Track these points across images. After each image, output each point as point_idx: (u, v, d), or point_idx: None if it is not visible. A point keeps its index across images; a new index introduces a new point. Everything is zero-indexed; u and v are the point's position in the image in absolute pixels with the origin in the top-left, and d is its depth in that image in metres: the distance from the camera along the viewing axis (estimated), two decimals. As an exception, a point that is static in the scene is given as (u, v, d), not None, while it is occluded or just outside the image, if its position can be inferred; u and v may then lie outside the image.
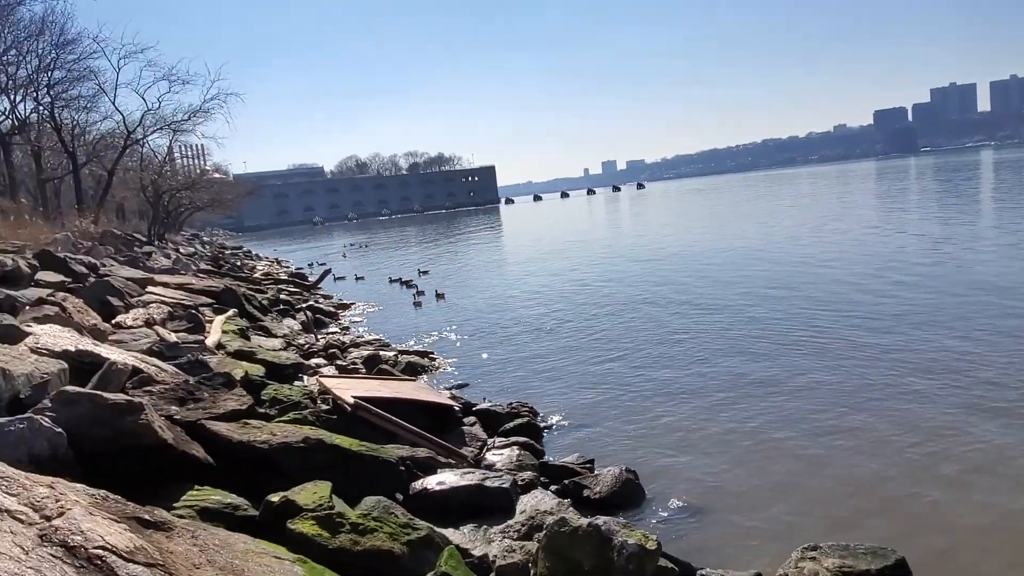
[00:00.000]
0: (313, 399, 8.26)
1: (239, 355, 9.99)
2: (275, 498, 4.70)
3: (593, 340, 13.42)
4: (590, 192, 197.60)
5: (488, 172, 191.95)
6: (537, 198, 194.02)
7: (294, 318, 17.97)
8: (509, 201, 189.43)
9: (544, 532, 4.54)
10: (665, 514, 6.16)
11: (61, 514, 3.45)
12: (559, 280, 22.87)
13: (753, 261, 22.04)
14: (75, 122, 32.83)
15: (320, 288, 26.71)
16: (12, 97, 29.48)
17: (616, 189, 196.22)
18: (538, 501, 5.93)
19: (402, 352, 13.17)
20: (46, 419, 4.34)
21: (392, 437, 7.19)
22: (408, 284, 25.07)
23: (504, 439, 7.88)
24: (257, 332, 13.89)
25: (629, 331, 13.87)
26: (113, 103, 32.43)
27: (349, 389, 8.17)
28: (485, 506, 5.83)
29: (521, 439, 7.77)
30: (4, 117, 29.74)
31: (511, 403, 9.17)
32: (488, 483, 5.97)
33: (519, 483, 6.29)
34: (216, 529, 4.21)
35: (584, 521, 4.32)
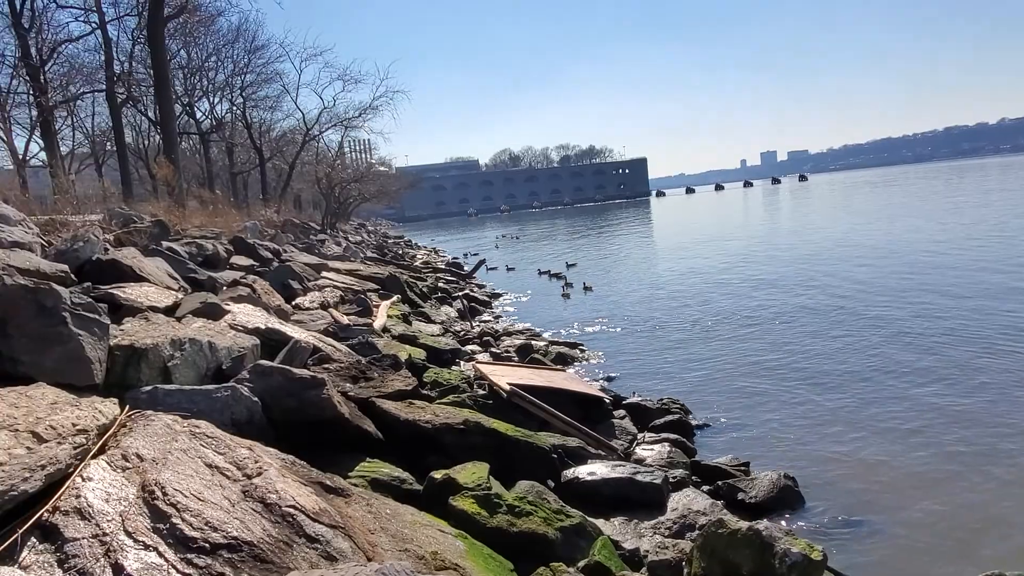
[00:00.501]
0: (470, 384, 8.59)
1: (403, 339, 10.60)
2: (438, 475, 4.96)
3: (748, 340, 12.92)
4: (747, 184, 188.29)
5: (639, 164, 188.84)
6: (690, 190, 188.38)
7: (451, 305, 18.74)
8: (660, 194, 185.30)
9: (700, 532, 4.49)
10: (826, 525, 5.86)
11: (259, 474, 3.86)
12: (711, 276, 22.14)
13: (929, 264, 20.13)
14: (262, 120, 36.06)
15: (475, 277, 27.61)
16: (211, 99, 32.95)
17: (776, 181, 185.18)
18: (690, 500, 5.86)
19: (552, 342, 13.39)
20: (245, 388, 4.86)
21: (544, 425, 7.36)
22: (557, 276, 25.34)
23: (654, 435, 7.82)
24: (418, 318, 14.63)
25: (787, 333, 13.21)
26: (295, 102, 35.46)
27: (504, 376, 8.44)
28: (635, 500, 5.84)
29: (672, 436, 7.69)
30: (204, 117, 33.27)
31: (661, 399, 9.07)
32: (639, 477, 5.97)
33: (670, 480, 6.24)
34: (386, 499, 4.53)
35: (743, 524, 4.23)
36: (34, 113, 23.35)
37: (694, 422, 8.52)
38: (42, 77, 21.43)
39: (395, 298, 14.97)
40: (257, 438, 4.47)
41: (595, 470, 6.12)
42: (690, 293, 19.06)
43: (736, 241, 34.03)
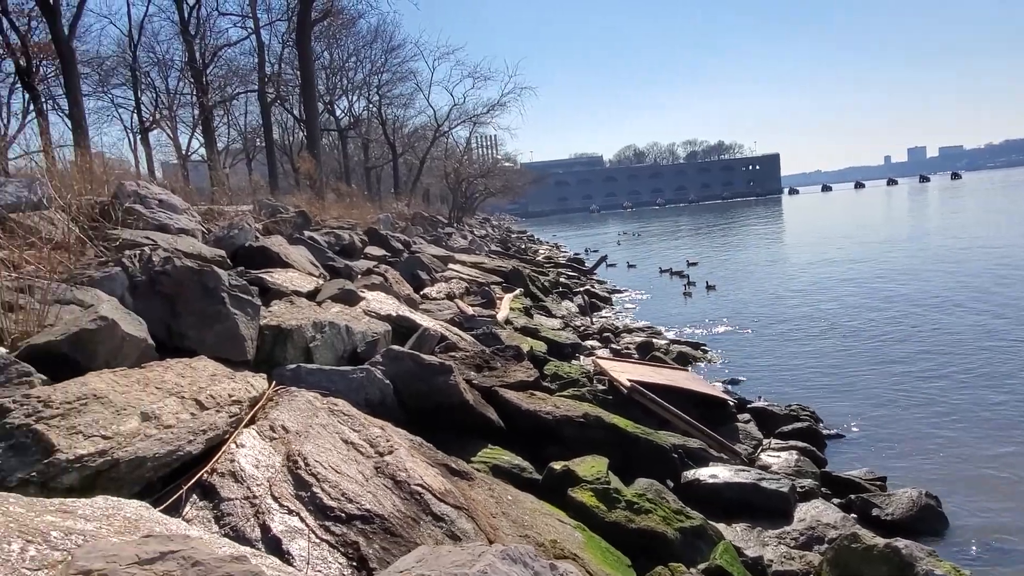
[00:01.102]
0: (590, 378, 8.60)
1: (524, 331, 10.76)
2: (557, 466, 5.02)
3: (886, 348, 12.12)
4: (891, 182, 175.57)
5: (771, 160, 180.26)
6: (826, 188, 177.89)
7: (571, 300, 18.80)
8: (793, 192, 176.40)
9: (830, 545, 4.31)
10: (972, 551, 5.43)
11: (390, 452, 4.07)
12: (845, 279, 20.85)
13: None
14: (396, 117, 37.63)
15: (595, 274, 27.51)
16: (350, 97, 34.77)
17: (924, 179, 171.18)
18: (819, 512, 5.61)
19: (674, 341, 13.16)
20: (378, 371, 5.13)
21: (664, 423, 7.27)
22: (679, 274, 24.81)
23: (781, 441, 7.54)
24: (539, 311, 14.78)
25: (930, 342, 12.27)
26: (427, 100, 36.92)
27: (624, 372, 8.40)
28: (758, 507, 5.66)
29: (800, 444, 7.38)
30: (343, 115, 35.13)
31: (789, 405, 8.72)
32: (764, 484, 5.78)
33: (798, 489, 6.00)
34: (507, 485, 4.65)
35: (880, 540, 4.02)
36: (196, 112, 25.67)
37: (825, 431, 8.12)
38: (204, 79, 23.45)
39: (518, 291, 15.20)
40: (387, 418, 4.70)
41: (717, 473, 5.98)
42: (822, 296, 18.10)
43: (874, 243, 31.88)
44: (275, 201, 12.46)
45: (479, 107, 37.38)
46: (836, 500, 6.16)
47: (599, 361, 9.13)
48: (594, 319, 16.12)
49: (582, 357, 10.83)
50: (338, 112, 35.98)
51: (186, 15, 23.24)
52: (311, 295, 6.93)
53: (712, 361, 12.03)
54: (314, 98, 23.33)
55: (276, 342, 5.10)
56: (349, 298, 7.19)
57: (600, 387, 8.09)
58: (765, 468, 6.62)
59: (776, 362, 11.78)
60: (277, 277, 6.70)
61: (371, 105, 36.07)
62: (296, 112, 30.82)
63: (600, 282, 24.91)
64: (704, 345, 13.04)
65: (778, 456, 7.01)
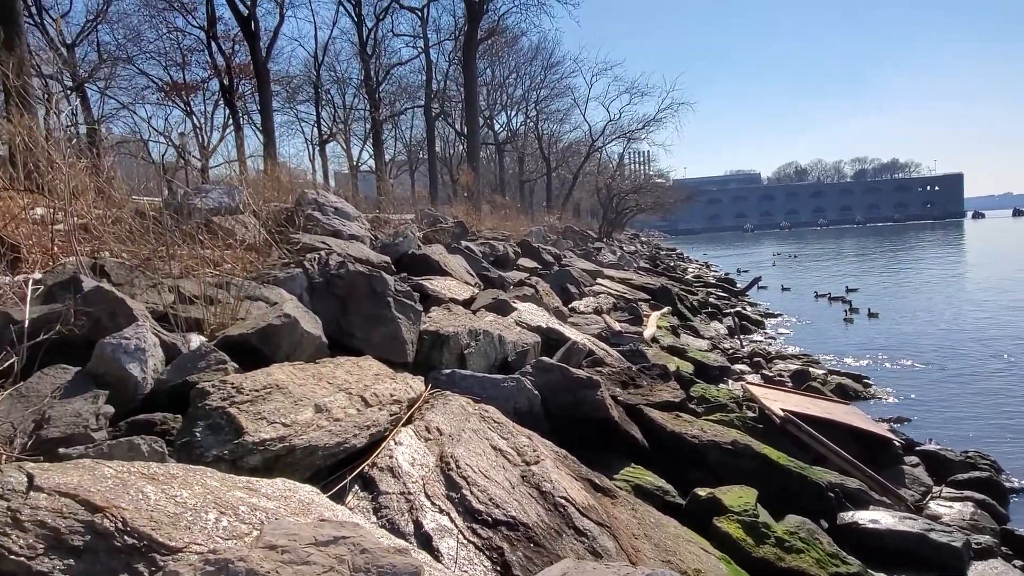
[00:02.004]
0: (739, 404, 8.29)
1: (671, 350, 10.55)
2: (703, 492, 4.88)
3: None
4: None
5: (952, 181, 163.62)
6: (1019, 213, 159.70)
7: (720, 322, 18.18)
8: (978, 215, 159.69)
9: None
10: None
11: (537, 462, 4.15)
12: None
13: None
14: (551, 132, 38.46)
15: (747, 295, 26.44)
16: (508, 113, 35.97)
17: None
18: (998, 573, 5.08)
19: (832, 371, 12.36)
20: (528, 381, 5.25)
21: (820, 459, 6.85)
22: (839, 299, 23.28)
23: (954, 491, 6.88)
24: (686, 331, 14.43)
25: None
26: (583, 115, 37.54)
27: (776, 400, 8.01)
28: (925, 560, 5.20)
29: (977, 495, 6.69)
30: (501, 129, 36.37)
31: (965, 451, 7.94)
32: (934, 535, 5.30)
33: (972, 545, 5.46)
34: (649, 507, 4.59)
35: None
36: (368, 126, 27.75)
37: (1008, 484, 7.32)
38: (377, 96, 25.26)
39: (665, 309, 14.92)
40: (534, 428, 4.79)
41: (878, 518, 5.56)
42: (1005, 333, 16.26)
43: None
44: (435, 211, 13.07)
45: (634, 123, 37.46)
46: (1018, 562, 5.54)
47: (749, 387, 8.77)
48: (744, 342, 15.49)
49: (730, 381, 10.45)
50: (497, 126, 37.31)
51: (364, 37, 25.16)
52: (467, 303, 7.20)
53: (876, 396, 11.19)
54: (476, 113, 24.29)
55: (434, 346, 5.35)
56: (502, 308, 7.41)
57: (750, 414, 7.77)
58: (934, 518, 6.07)
59: (950, 401, 10.76)
60: (436, 284, 7.03)
61: (528, 120, 37.15)
62: (458, 126, 32.26)
63: (752, 304, 23.89)
64: (867, 378, 12.15)
65: (950, 506, 6.41)
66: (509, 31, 28.46)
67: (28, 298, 3.45)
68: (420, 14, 28.89)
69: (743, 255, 59.82)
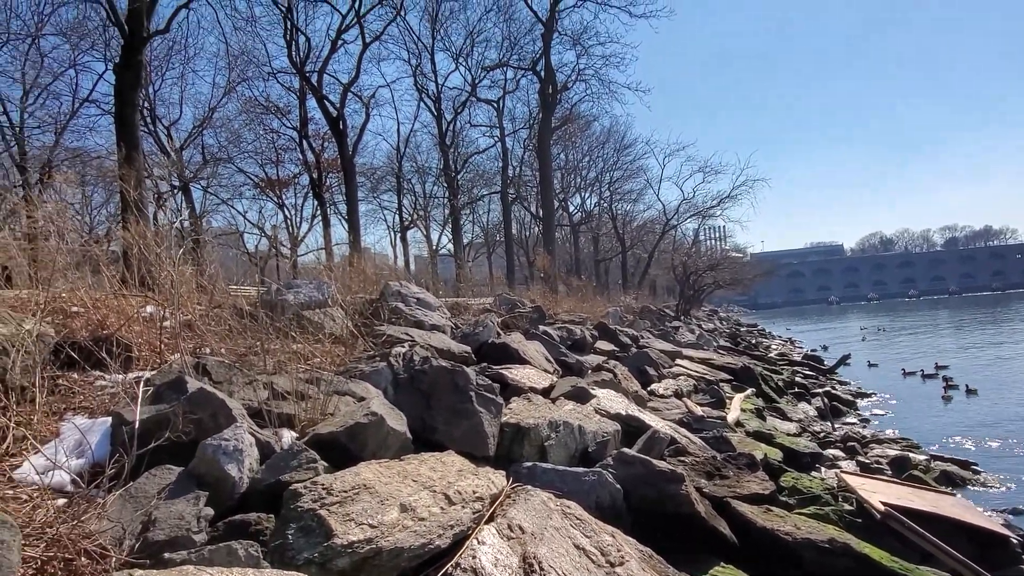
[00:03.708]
0: (834, 495, 7.86)
1: (757, 436, 10.16)
2: (799, 597, 4.64)
3: None
4: None
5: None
6: None
7: (809, 403, 17.42)
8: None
9: None
10: None
11: (621, 563, 4.05)
12: None
13: None
14: (625, 212, 39.06)
15: (836, 373, 25.32)
16: (582, 194, 36.86)
17: None
18: None
19: (934, 457, 11.58)
20: (609, 475, 5.17)
21: (927, 558, 6.38)
22: (936, 376, 22.01)
23: (1085, 597, 6.27)
24: (772, 413, 13.89)
25: None
26: (657, 195, 38.03)
27: (875, 492, 7.56)
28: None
29: (1112, 603, 6.08)
30: (576, 210, 37.15)
31: (1097, 552, 7.24)
32: (1062, 649, 4.83)
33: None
34: (743, 612, 4.38)
35: None
36: (446, 212, 29.15)
37: None
38: (455, 183, 26.51)
39: (749, 391, 14.45)
40: (616, 524, 4.69)
41: (997, 628, 5.11)
42: None
43: None
44: (513, 296, 13.28)
45: (708, 200, 37.69)
46: None
47: (844, 476, 8.31)
48: (836, 425, 14.77)
49: (823, 469, 9.93)
50: (571, 208, 38.14)
51: (444, 129, 26.69)
52: (546, 392, 7.21)
53: (986, 484, 10.39)
54: (551, 197, 24.95)
55: (514, 439, 5.36)
56: (581, 396, 7.37)
57: (847, 507, 7.34)
58: (1061, 629, 5.53)
59: (1071, 493, 9.89)
60: (516, 373, 7.09)
61: (603, 200, 37.92)
62: (533, 209, 33.12)
63: (842, 383, 22.84)
64: (974, 463, 11.31)
65: (1080, 616, 5.83)
66: (582, 117, 29.56)
67: (139, 399, 3.69)
68: (496, 106, 30.47)
69: (828, 329, 57.53)
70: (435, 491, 3.88)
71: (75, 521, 2.68)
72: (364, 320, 6.96)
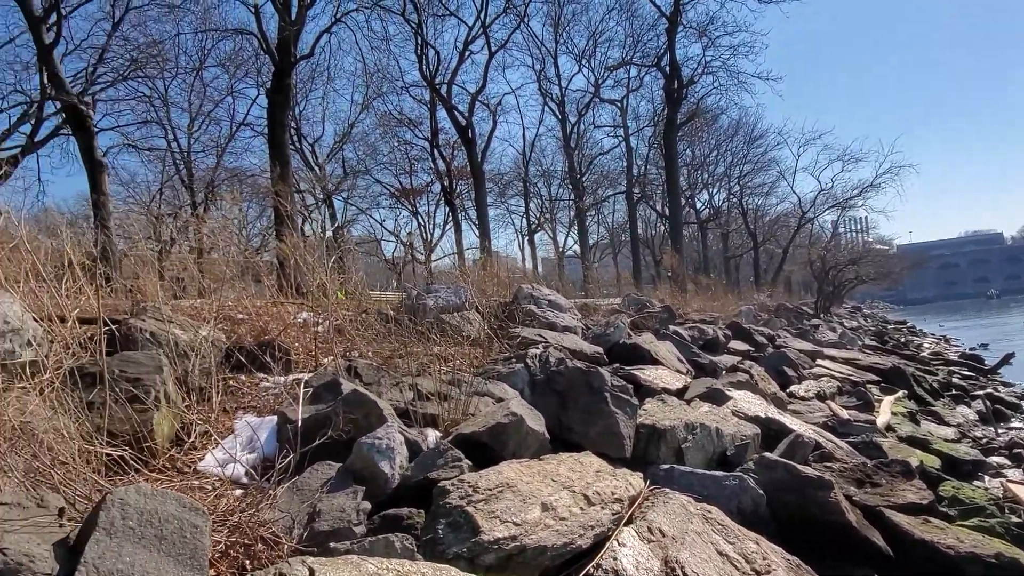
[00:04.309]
0: (1000, 507, 7.23)
1: (911, 442, 9.50)
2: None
3: None
4: None
5: None
6: None
7: (968, 406, 16.03)
8: None
9: None
10: None
11: (767, 572, 3.94)
12: None
13: None
14: (757, 206, 37.57)
15: (998, 374, 23.13)
16: (710, 190, 35.84)
17: None
18: None
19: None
20: (751, 479, 5.03)
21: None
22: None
23: None
24: (927, 417, 12.90)
25: None
26: (791, 187, 36.16)
27: (1049, 504, 6.90)
28: None
29: None
30: (703, 207, 36.18)
31: None
32: None
33: None
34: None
35: None
36: (572, 214, 29.56)
37: None
38: (580, 185, 26.76)
39: (900, 393, 13.51)
40: (759, 531, 4.56)
41: None
42: None
43: None
44: (641, 296, 13.14)
45: (848, 190, 35.43)
46: None
47: (1011, 486, 7.62)
48: (1000, 430, 13.51)
49: (987, 478, 9.13)
50: (699, 204, 37.11)
51: (568, 132, 27.02)
52: (679, 393, 7.10)
53: None
54: (678, 194, 24.49)
55: (650, 441, 5.33)
56: (717, 397, 7.20)
57: (1014, 519, 6.74)
58: None
59: None
60: (648, 374, 7.02)
61: (732, 196, 36.59)
62: (659, 208, 32.60)
63: (1006, 384, 20.83)
64: None
65: None
66: (709, 111, 28.74)
67: (300, 400, 4.00)
68: (620, 105, 30.39)
69: (988, 326, 52.50)
70: (575, 491, 3.94)
71: (252, 510, 2.96)
72: (499, 322, 7.15)
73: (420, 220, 34.11)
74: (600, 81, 30.03)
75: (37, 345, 3.85)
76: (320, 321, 5.74)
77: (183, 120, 26.96)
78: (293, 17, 15.01)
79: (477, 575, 3.02)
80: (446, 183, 25.53)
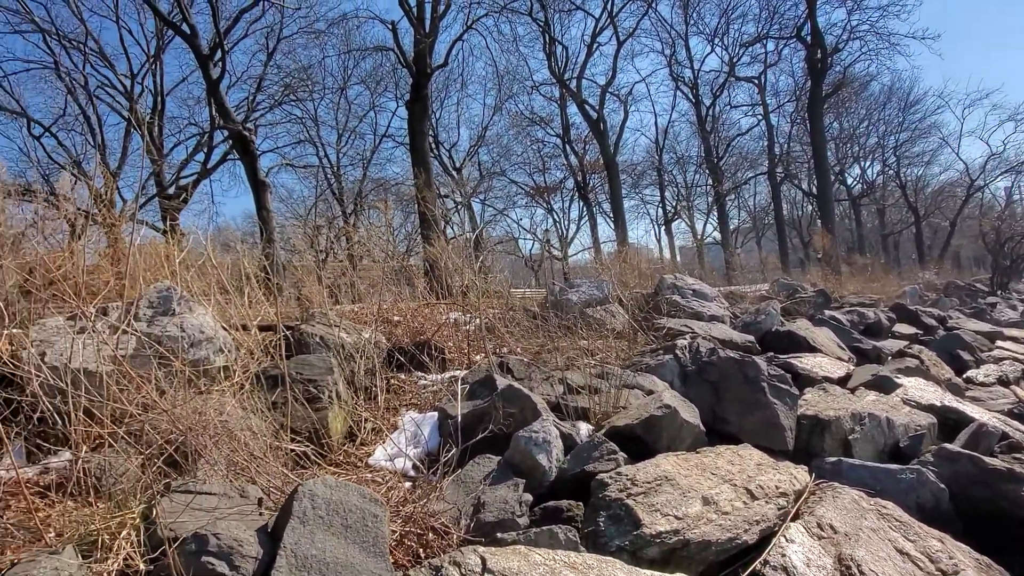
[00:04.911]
0: None
1: (1120, 432, 8.44)
2: None
3: None
4: None
5: None
6: None
7: None
8: None
9: None
10: None
11: (955, 573, 3.65)
12: None
13: None
14: (917, 177, 34.61)
15: None
16: (862, 164, 33.39)
17: None
18: None
19: None
20: (931, 472, 4.66)
21: None
22: None
23: None
24: None
25: None
26: (956, 153, 33.16)
27: None
28: None
29: None
30: (855, 182, 33.79)
31: None
32: None
33: None
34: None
35: None
36: (710, 200, 28.65)
37: None
38: (718, 169, 25.87)
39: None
40: (941, 528, 4.22)
41: None
42: None
43: None
44: (791, 280, 12.50)
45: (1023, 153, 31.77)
46: None
47: None
48: None
49: None
50: (849, 180, 34.67)
51: (703, 115, 26.15)
52: (841, 381, 6.70)
53: None
54: (827, 171, 23.04)
55: (813, 432, 5.07)
56: (883, 385, 6.73)
57: None
58: None
59: None
60: (806, 362, 6.68)
61: (887, 168, 33.82)
62: (805, 186, 30.84)
63: None
64: None
65: None
66: (856, 80, 26.74)
67: (459, 396, 4.16)
68: (757, 83, 28.97)
69: None
70: (735, 485, 3.84)
71: (423, 501, 3.12)
72: (642, 314, 7.07)
73: (555, 217, 34.55)
74: (735, 59, 28.83)
75: (227, 352, 4.28)
76: (469, 320, 5.93)
77: (331, 137, 29.22)
78: (427, 30, 15.62)
79: (640, 568, 3.01)
80: (579, 178, 25.65)
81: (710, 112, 27.39)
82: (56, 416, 3.06)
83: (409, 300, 6.51)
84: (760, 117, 28.34)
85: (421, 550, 2.91)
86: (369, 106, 29.29)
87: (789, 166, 27.92)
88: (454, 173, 28.93)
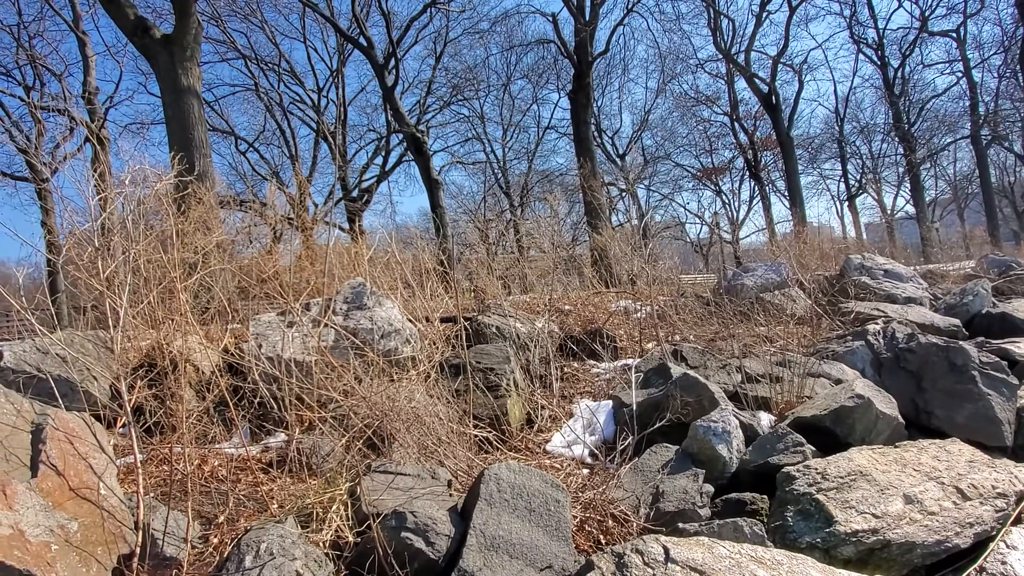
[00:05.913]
0: None
1: None
2: None
3: None
4: None
5: None
6: None
7: None
8: None
9: None
10: None
11: None
12: None
13: None
14: None
15: None
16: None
17: None
18: None
19: None
20: None
21: None
22: None
23: None
24: None
25: None
26: None
27: None
28: None
29: None
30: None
31: None
32: None
33: None
34: None
35: None
36: (900, 170, 25.99)
37: None
38: (910, 136, 23.47)
39: None
40: None
41: None
42: None
43: None
44: (1003, 255, 11.10)
45: None
46: None
47: None
48: None
49: None
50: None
51: (890, 78, 23.78)
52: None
53: None
54: (1044, 129, 20.15)
55: (1037, 427, 4.50)
56: None
57: None
58: None
59: None
60: (1024, 348, 5.92)
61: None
62: (1018, 148, 27.18)
63: None
64: None
65: None
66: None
67: (634, 385, 4.13)
68: (955, 36, 25.84)
69: None
70: (943, 483, 3.49)
71: (602, 488, 3.13)
72: (826, 298, 6.60)
73: (724, 198, 33.14)
74: (927, 12, 25.90)
75: (413, 342, 4.55)
76: (639, 308, 5.85)
77: (497, 133, 30.14)
78: (587, 18, 15.60)
79: (835, 567, 2.83)
80: (749, 156, 24.30)
81: (899, 74, 24.68)
82: (273, 401, 3.44)
83: (578, 289, 6.54)
84: (960, 74, 25.24)
85: (602, 536, 2.92)
86: (532, 100, 29.97)
87: (998, 127, 24.59)
88: (617, 160, 28.69)
